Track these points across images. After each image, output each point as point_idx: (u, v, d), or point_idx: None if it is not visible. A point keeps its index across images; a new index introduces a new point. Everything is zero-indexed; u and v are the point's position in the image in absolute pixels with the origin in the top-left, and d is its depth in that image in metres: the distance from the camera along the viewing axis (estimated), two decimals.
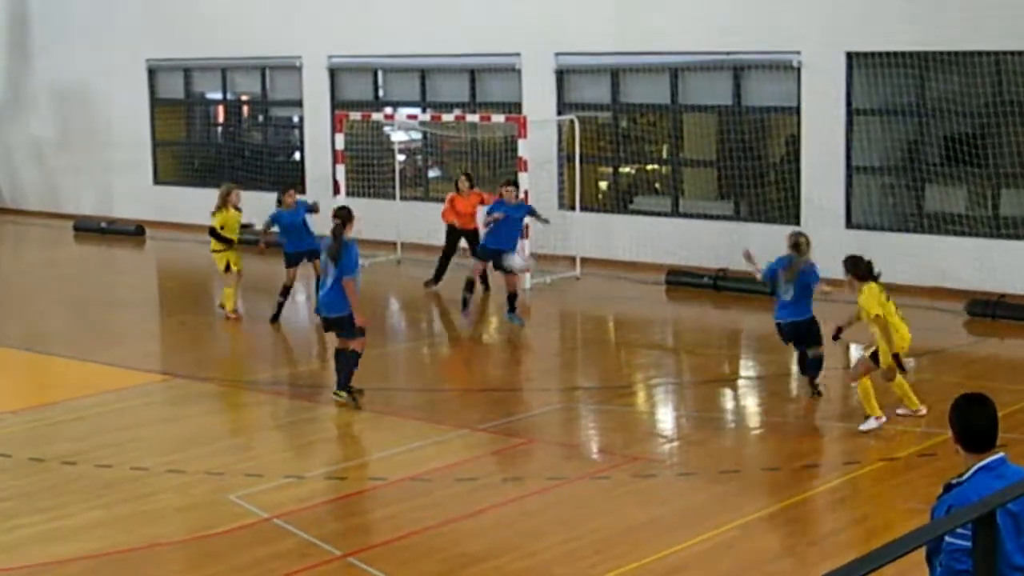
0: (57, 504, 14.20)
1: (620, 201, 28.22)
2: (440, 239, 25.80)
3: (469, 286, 22.59)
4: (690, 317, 24.37)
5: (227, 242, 23.48)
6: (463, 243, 25.45)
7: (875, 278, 16.07)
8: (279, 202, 23.35)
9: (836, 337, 16.83)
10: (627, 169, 28.52)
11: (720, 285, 24.77)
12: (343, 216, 17.74)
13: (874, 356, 16.07)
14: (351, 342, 17.62)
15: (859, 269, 16.13)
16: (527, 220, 23.49)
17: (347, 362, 17.61)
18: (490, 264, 22.80)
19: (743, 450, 16.00)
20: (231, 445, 16.45)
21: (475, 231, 24.98)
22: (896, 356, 15.77)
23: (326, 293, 17.61)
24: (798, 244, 17.43)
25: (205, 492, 14.36)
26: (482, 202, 24.93)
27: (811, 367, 17.61)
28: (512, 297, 22.35)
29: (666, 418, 17.74)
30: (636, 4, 26.88)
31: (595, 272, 26.55)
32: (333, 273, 17.45)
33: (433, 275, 25.60)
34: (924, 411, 16.34)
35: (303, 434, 17.29)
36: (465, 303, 22.55)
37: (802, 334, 17.51)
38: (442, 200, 26.32)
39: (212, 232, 23.59)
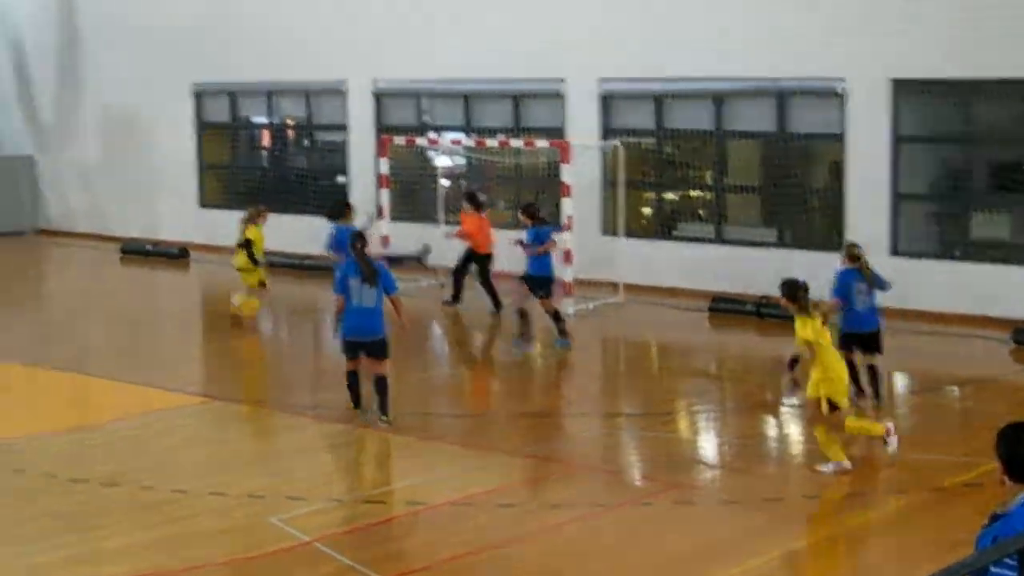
0: (98, 525, 14.21)
1: (663, 227, 28.15)
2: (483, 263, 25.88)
3: (523, 316, 22.64)
4: (733, 344, 24.27)
5: (256, 261, 23.84)
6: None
7: (807, 307, 15.62)
8: (335, 219, 23.52)
9: (792, 367, 16.28)
10: (671, 195, 28.45)
11: (763, 312, 24.65)
12: (363, 238, 18.06)
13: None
14: (382, 365, 17.70)
15: (795, 295, 15.78)
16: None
17: (386, 386, 17.67)
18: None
19: (786, 478, 15.89)
20: (272, 468, 16.43)
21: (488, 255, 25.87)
22: (829, 401, 15.36)
23: (366, 316, 17.63)
24: (859, 255, 18.11)
25: (246, 515, 14.35)
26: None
27: (874, 375, 18.14)
28: (557, 320, 22.38)
29: (708, 445, 17.66)
30: (680, 30, 26.85)
31: (638, 298, 26.47)
32: (373, 294, 17.53)
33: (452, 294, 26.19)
34: (892, 430, 15.88)
35: (344, 457, 17.29)
36: (523, 335, 22.59)
37: (875, 341, 18.10)
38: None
39: (247, 245, 23.87)
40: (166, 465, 16.40)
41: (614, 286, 26.65)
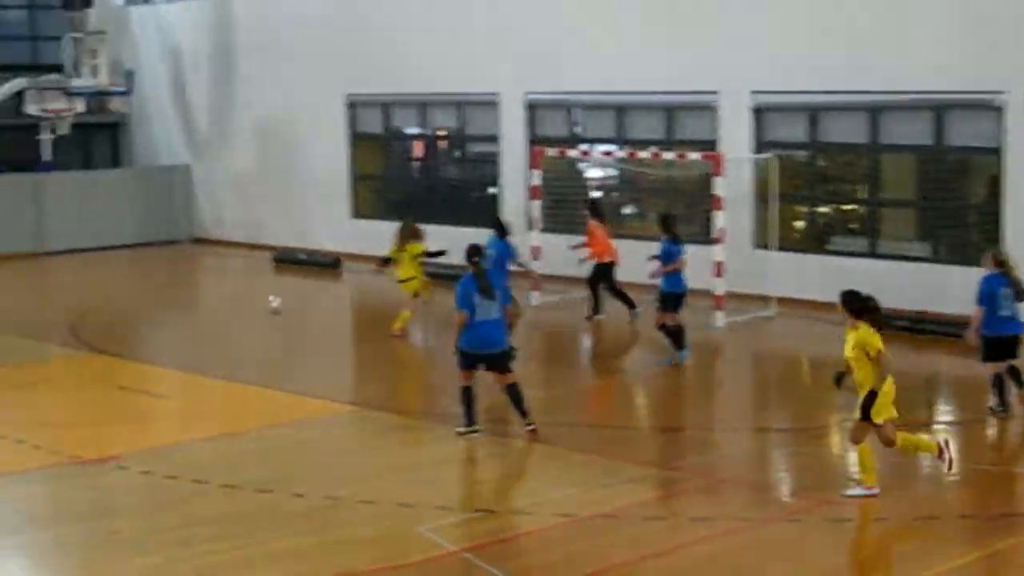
0: (251, 531, 14.39)
1: (816, 241, 27.89)
2: (633, 275, 25.72)
3: (664, 330, 22.60)
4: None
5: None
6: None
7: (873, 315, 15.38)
8: (502, 232, 23.72)
9: (838, 383, 16.03)
10: (823, 208, 28.18)
11: (917, 328, 24.31)
12: (477, 252, 18.23)
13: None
14: (510, 376, 17.90)
15: (854, 305, 15.50)
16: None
17: (519, 392, 17.86)
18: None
19: (940, 497, 15.66)
20: (421, 477, 16.49)
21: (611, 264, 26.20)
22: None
23: (493, 328, 17.78)
24: (1004, 260, 18.31)
25: (396, 523, 14.43)
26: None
27: (1016, 375, 18.26)
28: (674, 335, 22.31)
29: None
30: (835, 42, 26.59)
31: (789, 312, 26.25)
32: (495, 306, 17.72)
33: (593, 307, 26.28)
34: (945, 446, 15.57)
35: (493, 468, 17.33)
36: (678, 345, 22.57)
37: (1015, 346, 18.23)
38: (638, 238, 26.41)
39: (428, 254, 24.26)
40: (318, 472, 16.56)
41: (765, 299, 26.46)
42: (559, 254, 27.46)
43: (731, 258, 25.52)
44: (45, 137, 38.48)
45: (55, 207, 37.60)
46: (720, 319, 25.05)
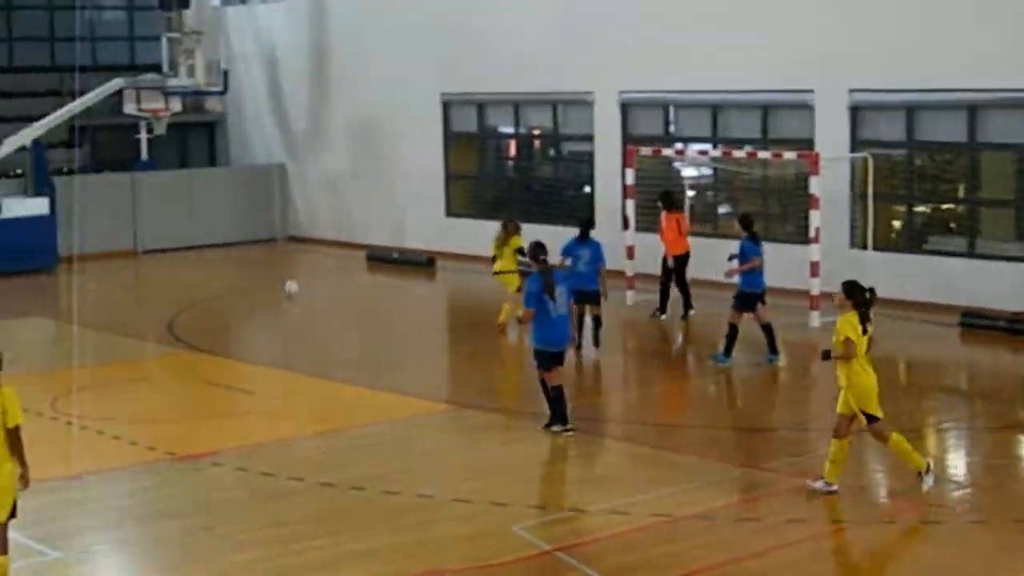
0: (345, 528, 14.48)
1: (913, 240, 27.64)
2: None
3: (767, 330, 22.50)
4: (984, 361, 23.69)
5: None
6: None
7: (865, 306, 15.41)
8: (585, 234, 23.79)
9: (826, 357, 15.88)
10: (921, 208, 27.92)
11: (1018, 328, 24.05)
12: (541, 249, 18.46)
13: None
14: (559, 375, 18.06)
15: (851, 293, 15.48)
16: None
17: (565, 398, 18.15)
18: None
19: None
20: (516, 476, 16.50)
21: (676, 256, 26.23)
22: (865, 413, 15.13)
23: (561, 326, 17.95)
24: None
25: (489, 522, 14.46)
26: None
27: None
28: (730, 336, 22.34)
29: (957, 463, 17.30)
30: (933, 39, 26.33)
31: (886, 312, 25.94)
32: (558, 305, 17.85)
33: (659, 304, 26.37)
34: (930, 469, 15.22)
35: (586, 467, 17.33)
36: (770, 346, 22.49)
37: None
38: (731, 236, 26.22)
39: (521, 252, 24.45)
40: (412, 470, 16.63)
41: None
42: (651, 253, 27.32)
43: (827, 258, 25.32)
44: (142, 137, 38.86)
45: (152, 206, 37.95)
46: (815, 319, 24.87)
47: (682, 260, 26.31)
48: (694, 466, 16.65)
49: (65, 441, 18.16)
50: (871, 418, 15.26)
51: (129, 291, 33.02)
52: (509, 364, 23.78)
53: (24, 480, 12.40)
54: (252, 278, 34.72)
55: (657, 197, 27.18)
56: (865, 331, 15.36)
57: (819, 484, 15.28)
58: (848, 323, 15.27)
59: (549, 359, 18.02)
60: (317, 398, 21.13)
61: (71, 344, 24.90)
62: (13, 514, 12.38)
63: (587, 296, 22.77)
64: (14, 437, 12.19)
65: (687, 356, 24.83)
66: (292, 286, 29.31)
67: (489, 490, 15.52)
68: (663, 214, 26.60)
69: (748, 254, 22.44)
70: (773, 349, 22.38)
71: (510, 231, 25.27)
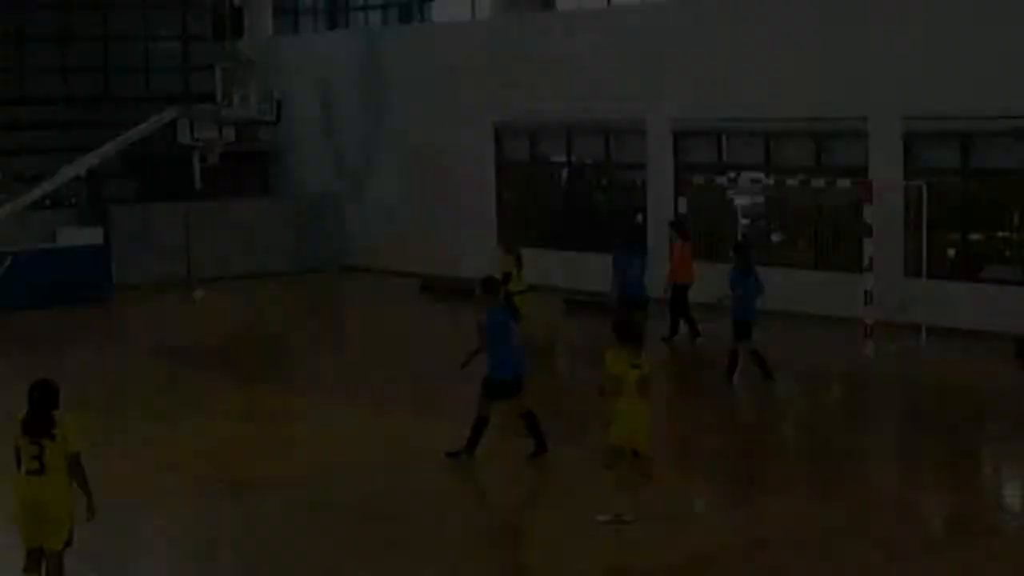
0: (405, 560, 14.46)
1: (968, 268, 27.47)
2: (782, 303, 25.51)
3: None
4: None
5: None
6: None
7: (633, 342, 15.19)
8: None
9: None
10: (976, 236, 27.77)
11: None
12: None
13: None
14: (525, 400, 18.18)
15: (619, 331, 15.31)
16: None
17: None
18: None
19: None
20: (567, 503, 16.46)
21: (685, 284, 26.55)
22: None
23: (519, 354, 18.29)
24: None
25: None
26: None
27: None
28: (731, 364, 22.64)
29: (1012, 493, 17.20)
30: (988, 66, 26.20)
31: (940, 342, 25.82)
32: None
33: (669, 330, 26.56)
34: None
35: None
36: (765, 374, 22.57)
37: None
38: (788, 265, 26.26)
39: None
40: (470, 503, 16.62)
41: (917, 328, 26.05)
42: (704, 281, 27.20)
43: (881, 286, 25.21)
44: (196, 166, 38.98)
45: (206, 235, 38.05)
46: (870, 348, 24.74)
47: (686, 288, 26.51)
48: (753, 494, 16.56)
49: (121, 468, 18.16)
50: (636, 454, 15.04)
51: (183, 320, 32.99)
52: (559, 393, 23.68)
53: (90, 510, 12.40)
54: (305, 308, 34.81)
55: (672, 224, 27.33)
56: (636, 366, 15.07)
57: (608, 516, 15.05)
58: (617, 358, 15.12)
59: (518, 387, 18.19)
60: (370, 428, 21.02)
61: (127, 372, 25.08)
62: (69, 542, 12.40)
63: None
64: (74, 464, 12.22)
65: (740, 384, 24.68)
66: (199, 293, 32.79)
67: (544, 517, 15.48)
68: (679, 243, 26.78)
69: (731, 284, 22.55)
70: (730, 376, 22.84)
71: (517, 255, 25.52)
